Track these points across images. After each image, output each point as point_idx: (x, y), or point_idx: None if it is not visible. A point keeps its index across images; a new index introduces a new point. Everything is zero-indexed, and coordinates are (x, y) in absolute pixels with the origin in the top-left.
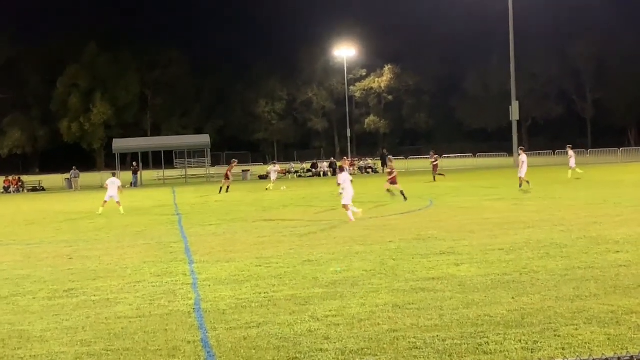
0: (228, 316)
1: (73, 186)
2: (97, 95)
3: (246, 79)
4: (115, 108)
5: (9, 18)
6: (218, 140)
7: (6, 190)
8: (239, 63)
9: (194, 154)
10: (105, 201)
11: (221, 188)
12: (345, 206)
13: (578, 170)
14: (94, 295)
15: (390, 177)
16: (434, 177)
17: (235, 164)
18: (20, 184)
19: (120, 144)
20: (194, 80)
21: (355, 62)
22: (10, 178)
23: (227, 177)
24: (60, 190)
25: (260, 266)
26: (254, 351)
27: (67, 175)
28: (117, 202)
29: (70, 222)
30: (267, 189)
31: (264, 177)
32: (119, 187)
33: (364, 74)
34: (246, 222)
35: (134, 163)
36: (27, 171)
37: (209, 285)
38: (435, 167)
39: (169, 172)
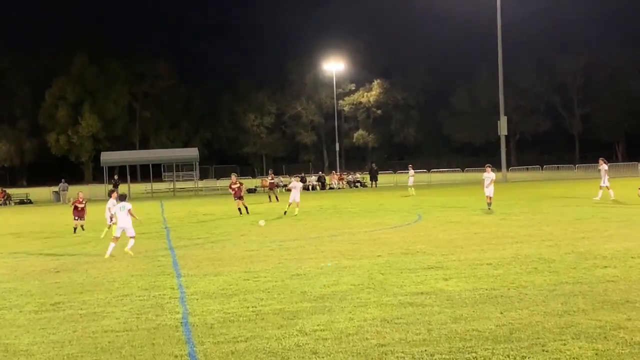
0: (216, 330)
1: (61, 199)
2: (86, 108)
3: (235, 92)
4: (104, 121)
5: None
6: (206, 154)
7: None
8: (227, 77)
9: (182, 167)
10: None
11: (240, 209)
12: (115, 238)
13: (412, 190)
14: (81, 309)
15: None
16: (270, 197)
17: (234, 177)
18: (6, 196)
19: (108, 157)
20: (182, 93)
21: (344, 76)
22: None
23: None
24: (47, 203)
25: (248, 280)
26: None
27: (55, 188)
28: None
29: (58, 235)
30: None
31: (252, 190)
32: None
33: (353, 88)
34: (234, 236)
35: (115, 177)
36: (14, 184)
37: (197, 299)
38: (272, 185)
39: (157, 185)
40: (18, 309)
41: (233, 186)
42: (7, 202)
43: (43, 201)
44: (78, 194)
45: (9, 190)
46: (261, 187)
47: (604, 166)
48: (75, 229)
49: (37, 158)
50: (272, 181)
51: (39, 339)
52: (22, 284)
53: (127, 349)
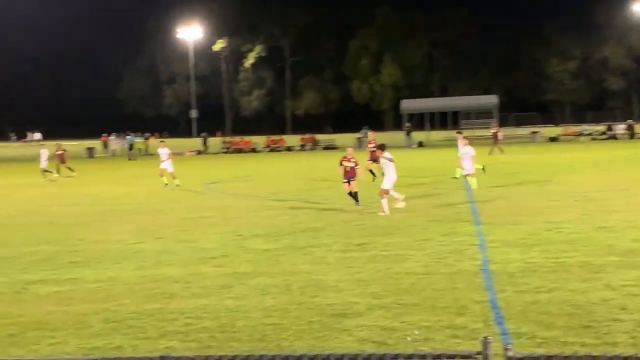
0: (516, 279)
1: (363, 145)
2: (387, 57)
3: (537, 37)
4: (404, 69)
5: None
6: (506, 101)
7: (302, 147)
8: (529, 21)
9: (480, 115)
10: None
11: None
12: (384, 191)
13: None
14: (384, 251)
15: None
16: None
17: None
18: (314, 142)
19: (408, 105)
20: (482, 40)
21: None
22: (305, 137)
23: None
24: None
25: (550, 230)
26: (544, 316)
27: (358, 135)
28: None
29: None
30: None
31: (554, 139)
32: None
33: None
34: (535, 185)
35: (407, 124)
36: (320, 130)
37: (496, 247)
38: (495, 137)
39: (455, 134)
40: (326, 247)
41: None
42: (315, 147)
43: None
44: (347, 149)
45: (317, 137)
46: (567, 135)
47: None
48: (349, 193)
49: (341, 106)
50: (373, 148)
51: (346, 276)
52: (329, 225)
53: (428, 291)
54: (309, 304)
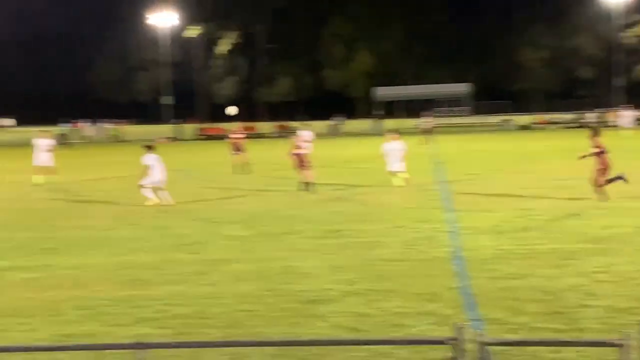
0: (488, 266)
1: (336, 132)
2: (360, 45)
3: (510, 26)
4: (378, 57)
5: None
6: (479, 89)
7: (278, 135)
8: (503, 10)
9: (453, 103)
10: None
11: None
12: (141, 186)
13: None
14: (359, 237)
15: None
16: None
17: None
18: (287, 129)
19: (382, 93)
20: (456, 28)
21: (629, 6)
22: (277, 124)
23: None
24: (323, 136)
25: (522, 217)
26: (515, 302)
27: (330, 122)
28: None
29: (336, 167)
30: None
31: (526, 127)
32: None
33: (638, 19)
34: (508, 173)
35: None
36: (293, 117)
37: (469, 234)
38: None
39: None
40: (301, 234)
41: (233, 136)
42: (288, 134)
43: (319, 134)
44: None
45: (290, 124)
46: (538, 123)
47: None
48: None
49: (314, 93)
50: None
51: (320, 263)
52: (305, 212)
53: (402, 278)
54: (282, 290)
